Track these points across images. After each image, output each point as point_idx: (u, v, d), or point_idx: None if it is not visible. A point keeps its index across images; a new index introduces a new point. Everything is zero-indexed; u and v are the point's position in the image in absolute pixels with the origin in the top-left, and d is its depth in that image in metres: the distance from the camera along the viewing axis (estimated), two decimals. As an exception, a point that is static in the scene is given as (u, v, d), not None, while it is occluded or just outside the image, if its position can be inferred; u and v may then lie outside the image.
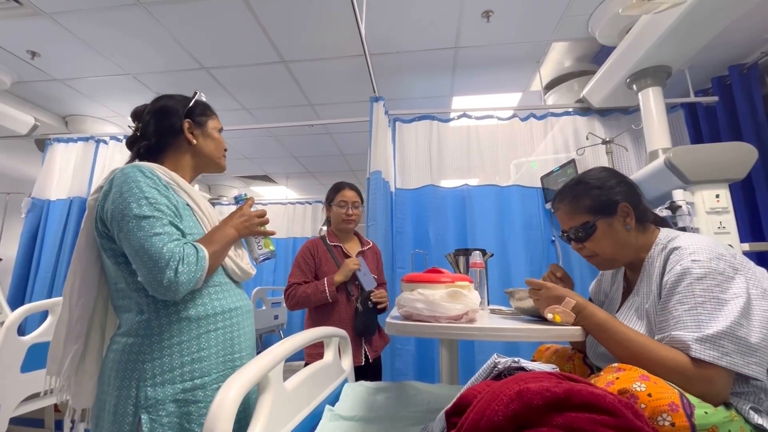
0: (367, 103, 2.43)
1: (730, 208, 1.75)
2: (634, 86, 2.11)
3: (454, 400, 0.64)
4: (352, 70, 2.87)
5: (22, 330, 1.62)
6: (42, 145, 3.16)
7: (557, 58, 2.78)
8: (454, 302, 0.94)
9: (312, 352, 1.62)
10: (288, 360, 0.80)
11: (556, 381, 0.57)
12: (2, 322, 1.59)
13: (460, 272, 1.55)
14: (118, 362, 0.84)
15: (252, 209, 1.05)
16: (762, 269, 0.85)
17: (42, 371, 0.92)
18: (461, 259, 1.58)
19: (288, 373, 0.81)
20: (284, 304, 2.03)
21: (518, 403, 0.52)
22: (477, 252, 1.39)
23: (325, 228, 1.93)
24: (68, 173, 2.96)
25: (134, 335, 0.85)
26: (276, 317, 4.02)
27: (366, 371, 1.63)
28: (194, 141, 1.03)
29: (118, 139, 3.01)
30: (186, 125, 1.02)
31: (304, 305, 1.66)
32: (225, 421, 0.57)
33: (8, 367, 1.54)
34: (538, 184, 2.42)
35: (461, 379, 1.25)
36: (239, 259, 1.01)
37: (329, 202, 1.83)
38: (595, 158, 2.39)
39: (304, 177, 5.49)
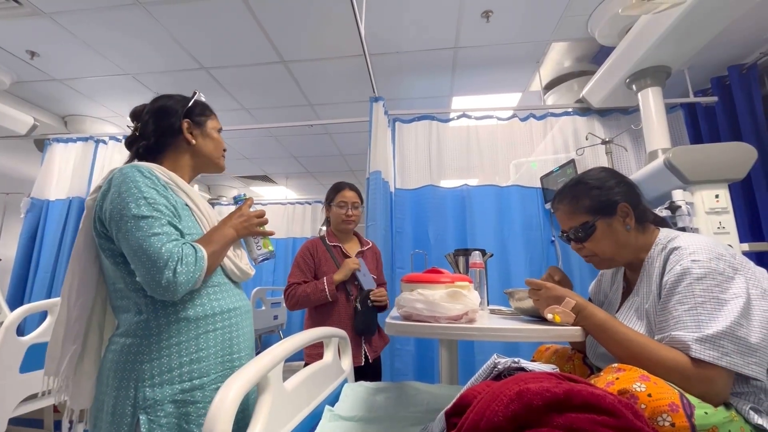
0: (366, 103, 2.43)
1: (730, 209, 1.75)
2: (634, 86, 2.12)
3: (454, 400, 0.64)
4: (352, 70, 2.87)
5: (21, 330, 1.62)
6: (41, 145, 3.16)
7: (557, 58, 2.78)
8: (454, 302, 0.94)
9: (311, 353, 1.61)
10: (288, 360, 0.80)
11: (556, 381, 0.57)
12: (1, 323, 1.59)
13: (460, 272, 1.55)
14: (116, 363, 0.84)
15: (251, 209, 1.05)
16: (762, 269, 0.85)
17: (41, 371, 0.92)
18: (461, 260, 1.58)
19: (288, 373, 0.81)
20: (284, 305, 2.03)
21: (518, 403, 0.52)
22: (477, 252, 1.39)
23: (324, 228, 1.93)
24: (67, 173, 2.96)
25: (133, 336, 0.84)
26: (275, 317, 4.01)
27: (366, 371, 1.62)
28: (193, 141, 1.03)
29: (118, 139, 3.01)
30: (185, 125, 1.02)
31: (303, 305, 1.66)
32: (224, 421, 0.57)
33: (7, 367, 1.54)
34: (538, 185, 2.42)
35: (461, 379, 1.25)
36: (238, 259, 1.01)
37: (329, 202, 1.83)
38: (595, 158, 2.39)
39: (304, 177, 5.49)
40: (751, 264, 0.85)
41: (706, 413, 0.67)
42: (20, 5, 2.19)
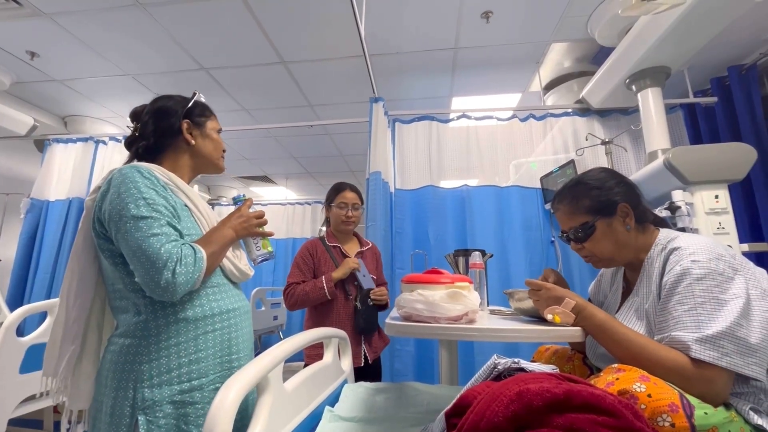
0: (366, 104, 2.43)
1: (729, 209, 1.75)
2: (634, 87, 2.12)
3: (454, 401, 0.64)
4: (352, 70, 2.87)
5: (21, 331, 1.62)
6: (41, 145, 3.16)
7: (556, 58, 2.78)
8: (454, 303, 0.94)
9: (311, 353, 1.61)
10: (287, 361, 0.80)
11: (556, 382, 0.57)
12: (1, 323, 1.59)
13: (460, 273, 1.55)
14: (115, 363, 0.83)
15: (250, 210, 1.05)
16: (761, 270, 0.85)
17: (41, 372, 0.91)
18: (461, 260, 1.58)
19: (287, 374, 0.81)
20: (284, 305, 2.03)
21: (518, 403, 0.52)
22: (476, 253, 1.39)
23: (324, 228, 1.93)
24: (67, 174, 2.96)
25: (131, 336, 0.84)
26: (275, 318, 4.01)
27: (365, 372, 1.62)
28: (193, 141, 1.03)
29: (118, 140, 3.01)
30: (185, 126, 1.02)
31: (303, 304, 1.66)
32: (224, 422, 0.57)
33: (7, 368, 1.54)
34: (538, 185, 2.42)
35: (461, 379, 1.25)
36: (237, 260, 1.01)
37: (329, 202, 1.83)
38: (595, 159, 2.39)
39: (304, 178, 5.49)
40: (751, 264, 0.85)
41: (705, 413, 0.67)
42: (20, 6, 2.19)
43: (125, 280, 0.86)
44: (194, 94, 1.08)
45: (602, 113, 2.51)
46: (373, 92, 2.37)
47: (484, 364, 0.71)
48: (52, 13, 2.27)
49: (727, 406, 0.73)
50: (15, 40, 2.53)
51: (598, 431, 0.49)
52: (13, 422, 1.62)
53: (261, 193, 6.22)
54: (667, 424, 0.64)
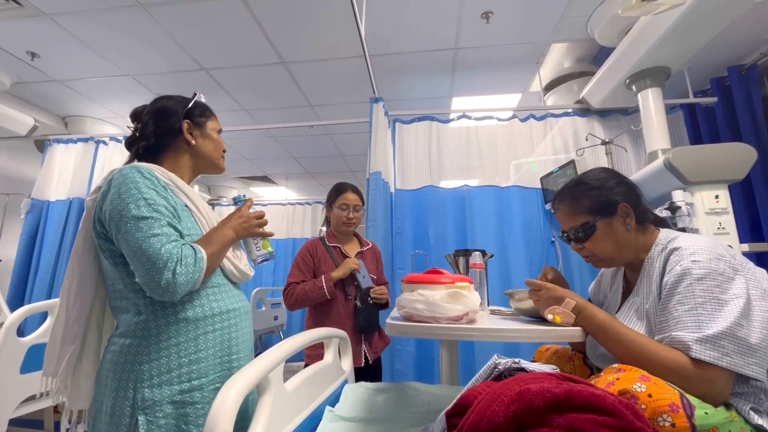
0: (366, 104, 2.43)
1: (730, 209, 1.75)
2: (634, 87, 2.12)
3: (454, 400, 0.64)
4: (352, 71, 2.87)
5: (21, 331, 1.62)
6: (41, 145, 3.16)
7: (557, 59, 2.78)
8: (454, 303, 0.94)
9: (312, 353, 1.61)
10: (288, 361, 0.80)
11: (557, 382, 0.57)
12: (2, 323, 1.59)
13: (460, 273, 1.55)
14: (115, 363, 0.83)
15: (250, 210, 1.05)
16: (762, 270, 0.85)
17: (41, 372, 0.92)
18: (461, 260, 1.58)
19: (288, 374, 0.81)
20: (284, 305, 2.03)
21: (519, 403, 0.52)
22: (477, 253, 1.39)
23: (324, 228, 1.93)
24: (68, 174, 2.96)
25: (132, 336, 0.84)
26: (276, 318, 4.01)
27: (366, 372, 1.62)
28: (193, 142, 1.03)
29: (118, 140, 3.01)
30: (185, 126, 1.02)
31: (302, 303, 1.66)
32: (225, 422, 0.57)
33: (8, 368, 1.54)
34: (538, 185, 2.42)
35: (461, 380, 1.25)
36: (237, 260, 1.01)
37: (330, 203, 1.82)
38: (595, 159, 2.39)
39: (304, 178, 5.49)
40: (751, 264, 0.85)
41: (706, 413, 0.67)
42: (21, 6, 2.19)
43: (125, 281, 0.86)
44: (195, 94, 1.08)
45: (602, 113, 2.51)
46: (374, 92, 2.37)
47: (484, 364, 0.71)
48: (53, 14, 2.27)
49: (728, 406, 0.73)
50: (15, 41, 2.53)
51: (599, 431, 0.49)
52: (13, 422, 1.62)
53: (261, 193, 6.22)
54: (667, 424, 0.64)
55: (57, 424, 1.89)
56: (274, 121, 3.60)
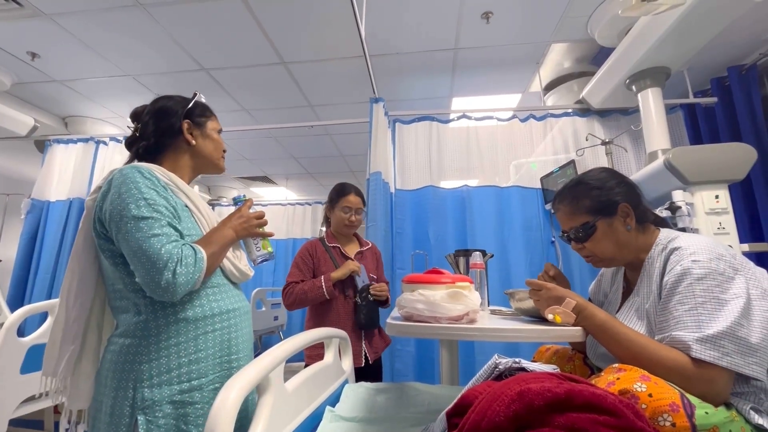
0: (366, 104, 2.43)
1: (730, 209, 1.75)
2: (634, 87, 2.12)
3: (455, 400, 0.64)
4: (352, 71, 2.87)
5: (21, 331, 1.62)
6: (42, 146, 3.16)
7: (557, 59, 2.78)
8: (455, 303, 0.94)
9: (312, 354, 1.61)
10: (288, 361, 0.80)
11: (558, 381, 0.57)
12: (2, 324, 1.59)
13: (461, 273, 1.55)
14: (115, 363, 0.83)
15: (250, 210, 1.05)
16: (762, 269, 0.85)
17: (41, 372, 0.92)
18: (461, 260, 1.58)
19: (288, 374, 0.81)
20: (284, 305, 2.03)
21: (519, 403, 0.52)
22: (477, 253, 1.39)
23: (324, 229, 1.93)
24: (68, 174, 2.96)
25: (131, 336, 0.84)
26: (276, 318, 4.01)
27: (366, 372, 1.62)
28: (193, 142, 1.03)
29: (118, 140, 3.01)
30: (185, 126, 1.02)
31: (301, 303, 1.65)
32: (226, 422, 0.57)
33: (8, 368, 1.54)
34: (538, 185, 2.42)
35: (461, 379, 1.25)
36: (237, 260, 1.01)
37: (332, 203, 1.81)
38: (595, 159, 2.39)
39: (304, 178, 5.49)
40: (751, 264, 0.85)
41: (706, 413, 0.67)
42: (21, 6, 2.19)
43: (125, 281, 0.86)
44: (195, 94, 1.08)
45: (602, 113, 2.51)
46: (374, 92, 2.37)
47: (484, 364, 0.71)
48: (53, 14, 2.27)
49: (728, 405, 0.73)
50: (16, 41, 2.53)
51: (600, 431, 0.49)
52: (13, 423, 1.62)
53: (261, 193, 6.22)
54: (668, 423, 0.64)
55: (57, 425, 1.89)
56: (274, 121, 3.60)
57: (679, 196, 1.78)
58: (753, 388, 0.77)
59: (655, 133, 2.01)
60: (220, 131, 1.11)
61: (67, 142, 3.04)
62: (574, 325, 0.89)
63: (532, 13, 2.30)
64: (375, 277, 1.79)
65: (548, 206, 2.35)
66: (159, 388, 0.81)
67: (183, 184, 0.97)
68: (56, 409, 1.88)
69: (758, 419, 0.72)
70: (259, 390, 0.73)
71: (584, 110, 2.52)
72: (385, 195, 2.29)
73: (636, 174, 2.06)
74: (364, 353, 1.66)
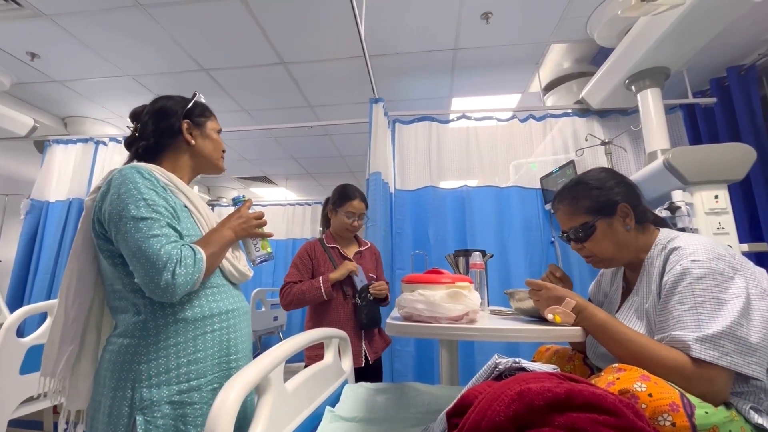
0: (366, 105, 2.43)
1: (729, 209, 1.75)
2: (633, 87, 2.12)
3: (455, 400, 0.64)
4: (352, 71, 2.87)
5: (21, 332, 1.62)
6: (41, 146, 3.16)
7: (556, 59, 2.79)
8: (455, 303, 0.94)
9: (312, 354, 1.61)
10: (288, 362, 0.80)
11: (558, 381, 0.57)
12: (1, 324, 1.58)
13: (460, 273, 1.55)
14: (113, 363, 0.83)
15: (250, 211, 1.05)
16: (761, 269, 0.85)
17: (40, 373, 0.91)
18: (461, 260, 1.58)
19: (288, 374, 0.81)
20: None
21: (520, 403, 0.52)
22: (477, 253, 1.39)
23: (322, 229, 1.92)
24: (67, 175, 2.96)
25: (130, 336, 0.84)
26: (275, 319, 4.01)
27: (366, 373, 1.62)
28: (193, 142, 1.03)
29: (118, 141, 3.01)
30: (185, 126, 1.02)
31: (299, 303, 1.65)
32: (225, 422, 0.57)
33: (7, 368, 1.54)
34: (538, 185, 2.42)
35: (461, 380, 1.25)
36: (236, 260, 1.00)
37: (335, 206, 1.78)
38: (594, 159, 2.40)
39: (304, 178, 5.49)
40: (751, 264, 0.85)
41: (706, 413, 0.67)
42: (21, 7, 2.19)
43: (124, 281, 0.86)
44: (194, 94, 1.08)
45: (602, 114, 2.52)
46: (373, 93, 2.37)
47: (484, 364, 0.71)
48: (53, 14, 2.27)
49: (728, 405, 0.73)
50: (15, 41, 2.53)
51: (600, 430, 0.49)
52: (13, 423, 1.62)
53: (261, 193, 6.22)
54: (668, 423, 0.64)
55: (56, 425, 1.89)
56: (274, 121, 3.60)
57: (678, 196, 1.78)
58: (753, 387, 0.77)
59: (654, 134, 2.01)
60: (219, 131, 1.11)
61: (67, 142, 3.04)
62: (573, 325, 0.89)
63: (531, 13, 2.30)
64: (374, 276, 1.79)
65: (548, 206, 2.36)
66: (158, 388, 0.81)
67: (182, 184, 0.97)
68: (55, 410, 1.88)
69: (758, 419, 0.72)
70: (258, 390, 0.73)
71: (584, 110, 2.53)
72: (385, 195, 2.29)
73: (635, 174, 2.06)
74: (364, 353, 1.66)
